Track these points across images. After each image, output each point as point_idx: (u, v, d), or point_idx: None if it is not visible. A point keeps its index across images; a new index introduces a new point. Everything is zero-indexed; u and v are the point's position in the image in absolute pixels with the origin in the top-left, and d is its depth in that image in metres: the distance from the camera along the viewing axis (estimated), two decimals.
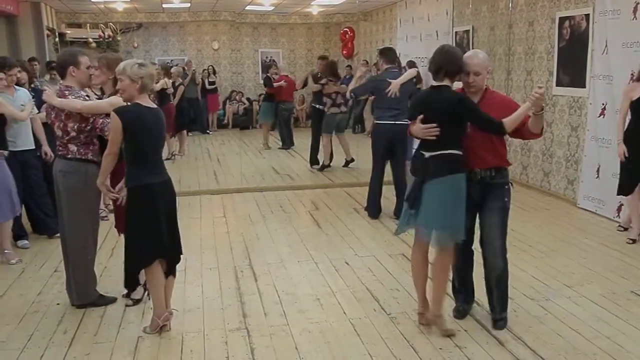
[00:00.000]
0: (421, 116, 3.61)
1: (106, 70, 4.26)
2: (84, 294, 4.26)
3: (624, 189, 5.63)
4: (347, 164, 9.80)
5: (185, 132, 11.43)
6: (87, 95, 4.20)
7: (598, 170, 6.64)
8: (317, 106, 9.84)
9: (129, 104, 3.72)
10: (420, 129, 3.61)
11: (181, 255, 4.01)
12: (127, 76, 3.64)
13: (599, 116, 6.59)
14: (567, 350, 3.57)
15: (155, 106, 3.84)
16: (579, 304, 4.24)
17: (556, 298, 4.33)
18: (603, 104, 6.52)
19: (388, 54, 6.77)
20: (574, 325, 3.90)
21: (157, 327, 3.82)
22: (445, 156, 3.60)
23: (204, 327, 3.96)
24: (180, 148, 11.09)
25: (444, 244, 3.72)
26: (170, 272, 3.93)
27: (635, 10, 6.00)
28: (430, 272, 3.87)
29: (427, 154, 3.64)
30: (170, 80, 10.76)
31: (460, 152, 3.63)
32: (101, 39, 14.67)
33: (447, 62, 3.60)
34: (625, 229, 5.90)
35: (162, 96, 10.41)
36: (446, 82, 3.62)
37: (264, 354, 3.60)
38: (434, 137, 3.57)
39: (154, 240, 3.70)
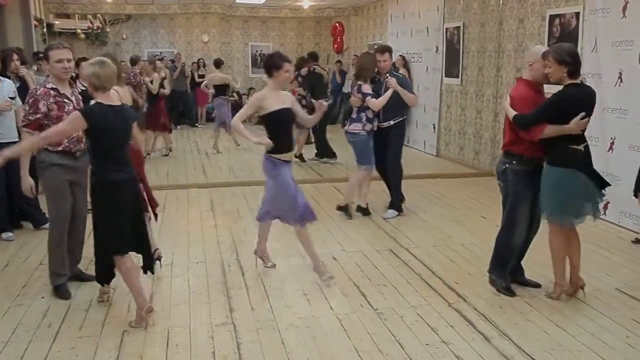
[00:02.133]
0: (583, 113, 3.91)
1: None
2: (53, 274, 4.35)
3: (636, 189, 5.47)
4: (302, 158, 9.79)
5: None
6: (55, 88, 4.20)
7: None
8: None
9: (92, 103, 3.79)
10: (584, 123, 3.94)
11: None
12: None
13: None
14: (552, 346, 3.60)
15: (119, 103, 3.85)
16: (564, 301, 4.26)
17: (542, 294, 4.35)
18: None
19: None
20: (559, 322, 3.92)
21: (142, 319, 3.81)
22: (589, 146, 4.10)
23: (190, 322, 3.94)
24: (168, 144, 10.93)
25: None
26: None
27: (624, 9, 6.02)
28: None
29: (580, 146, 4.00)
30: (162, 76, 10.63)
31: None
32: (90, 30, 14.57)
33: None
34: None
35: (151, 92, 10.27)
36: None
37: (250, 348, 3.59)
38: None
39: (117, 232, 3.74)
